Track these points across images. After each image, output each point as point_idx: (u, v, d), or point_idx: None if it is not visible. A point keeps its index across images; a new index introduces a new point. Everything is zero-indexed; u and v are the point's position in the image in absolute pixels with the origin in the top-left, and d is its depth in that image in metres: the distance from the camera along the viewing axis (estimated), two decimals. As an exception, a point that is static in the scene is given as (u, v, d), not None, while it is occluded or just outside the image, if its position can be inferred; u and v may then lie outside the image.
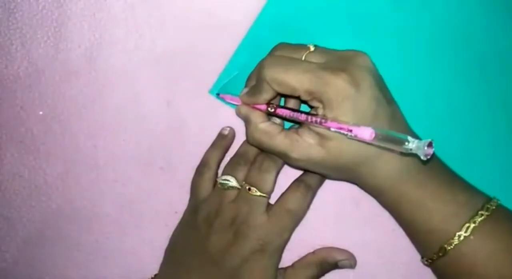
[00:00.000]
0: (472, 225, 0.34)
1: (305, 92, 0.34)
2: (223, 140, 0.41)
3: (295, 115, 0.36)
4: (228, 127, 0.42)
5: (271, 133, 0.36)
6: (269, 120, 0.38)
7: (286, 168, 0.40)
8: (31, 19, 0.42)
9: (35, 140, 0.43)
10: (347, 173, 0.36)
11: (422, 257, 0.38)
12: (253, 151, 0.40)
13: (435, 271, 0.38)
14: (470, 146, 0.41)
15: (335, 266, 0.40)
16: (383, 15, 0.41)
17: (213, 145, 0.42)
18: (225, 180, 0.39)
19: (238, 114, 0.39)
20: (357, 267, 0.42)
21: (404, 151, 0.30)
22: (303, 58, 0.36)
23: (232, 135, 0.42)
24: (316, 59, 0.35)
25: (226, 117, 0.41)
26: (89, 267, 0.43)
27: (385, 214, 0.39)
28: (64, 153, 0.43)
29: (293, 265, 0.40)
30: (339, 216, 0.42)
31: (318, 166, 0.35)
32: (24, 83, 0.43)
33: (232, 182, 0.39)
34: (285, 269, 0.40)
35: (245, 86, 0.39)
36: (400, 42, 0.41)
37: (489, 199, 0.35)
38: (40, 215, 0.43)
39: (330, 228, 0.42)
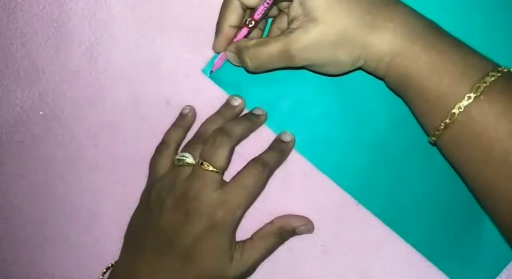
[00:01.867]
0: (483, 85, 0.32)
1: None
2: (183, 119, 0.42)
3: None
4: (189, 106, 0.42)
5: (264, 41, 0.36)
6: None
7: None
8: (31, 19, 0.42)
9: (35, 140, 0.43)
10: (354, 45, 0.34)
11: (429, 135, 0.36)
12: (212, 131, 0.39)
13: (442, 146, 0.36)
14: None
15: (293, 233, 0.41)
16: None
17: (174, 124, 0.42)
18: (181, 156, 0.39)
19: (230, 56, 0.38)
20: (356, 267, 0.42)
21: None
22: None
23: (193, 114, 0.42)
24: None
25: (226, 117, 0.42)
26: (89, 267, 0.43)
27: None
28: (64, 153, 0.43)
29: (251, 237, 0.40)
30: (339, 216, 0.42)
31: (322, 46, 0.34)
32: (24, 83, 0.43)
33: (189, 158, 0.38)
34: (244, 242, 0.39)
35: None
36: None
37: (498, 65, 0.34)
38: (40, 215, 0.43)
39: (330, 228, 0.42)
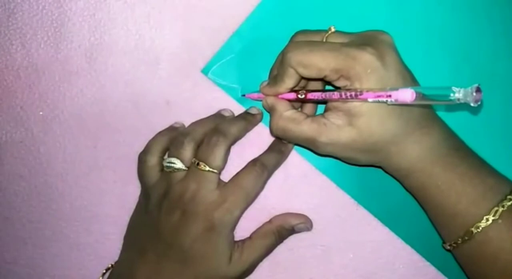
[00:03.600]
0: (501, 209, 0.34)
1: (331, 71, 0.33)
2: (172, 130, 0.41)
3: (328, 95, 0.35)
4: (179, 122, 0.42)
5: (298, 119, 0.36)
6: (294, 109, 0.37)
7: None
8: (31, 19, 0.42)
9: (35, 140, 0.43)
10: (377, 154, 0.35)
11: (444, 242, 0.37)
12: (201, 131, 0.39)
13: (458, 256, 0.37)
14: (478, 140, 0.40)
15: (292, 231, 0.41)
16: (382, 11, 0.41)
17: (160, 132, 0.41)
18: (169, 163, 0.38)
19: (265, 105, 0.38)
20: (357, 267, 0.42)
21: (452, 102, 0.29)
22: (324, 40, 0.36)
23: (183, 128, 0.41)
24: (338, 39, 0.35)
25: (226, 117, 0.42)
26: (89, 267, 0.43)
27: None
28: (64, 153, 0.43)
29: (250, 237, 0.40)
30: (339, 216, 0.42)
31: (348, 148, 0.35)
32: (24, 83, 0.43)
33: (177, 164, 0.38)
34: (243, 241, 0.39)
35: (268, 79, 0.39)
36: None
37: None
38: (40, 215, 0.43)
39: (330, 228, 0.42)
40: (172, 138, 0.40)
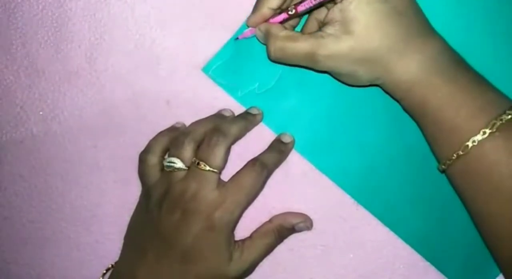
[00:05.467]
0: (499, 123, 0.33)
1: None
2: (173, 130, 0.41)
3: None
4: (180, 122, 0.42)
5: (294, 36, 0.36)
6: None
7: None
8: (31, 19, 0.42)
9: (35, 140, 0.43)
10: (378, 65, 0.35)
11: (439, 163, 0.37)
12: (202, 130, 0.39)
13: (452, 176, 0.37)
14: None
15: (292, 230, 0.41)
16: None
17: (161, 132, 0.41)
18: (170, 162, 0.38)
19: (259, 35, 0.38)
20: (357, 267, 0.42)
21: None
22: None
23: (184, 128, 0.41)
24: None
25: (226, 117, 0.42)
26: (89, 267, 0.43)
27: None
28: (64, 153, 0.43)
29: (251, 236, 0.40)
30: (339, 216, 0.42)
31: (348, 59, 0.34)
32: (24, 83, 0.43)
33: (177, 163, 0.38)
34: (243, 241, 0.39)
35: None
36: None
37: None
38: (40, 215, 0.43)
39: (330, 228, 0.42)
40: (173, 138, 0.40)
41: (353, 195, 0.42)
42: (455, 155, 0.34)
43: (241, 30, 0.41)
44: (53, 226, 0.43)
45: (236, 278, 0.38)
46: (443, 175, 0.39)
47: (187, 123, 0.41)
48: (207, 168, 0.37)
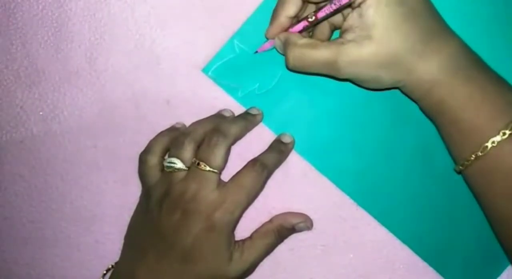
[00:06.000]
0: None
1: None
2: (173, 130, 0.41)
3: (337, 1, 0.34)
4: (182, 123, 0.42)
5: (314, 43, 0.35)
6: None
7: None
8: (31, 19, 0.42)
9: (35, 140, 0.43)
10: (399, 68, 0.34)
11: (456, 164, 0.37)
12: (201, 131, 0.39)
13: (469, 176, 0.36)
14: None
15: (292, 230, 0.41)
16: None
17: (161, 132, 0.41)
18: (170, 163, 0.38)
19: (278, 44, 0.38)
20: (357, 267, 0.42)
21: None
22: None
23: (184, 129, 0.41)
24: None
25: (226, 117, 0.42)
26: (89, 267, 0.43)
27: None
28: (64, 153, 0.43)
29: (251, 236, 0.40)
30: (339, 216, 0.42)
31: (370, 65, 0.34)
32: (24, 83, 0.43)
33: (178, 164, 0.38)
34: (244, 241, 0.39)
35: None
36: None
37: None
38: (40, 215, 0.43)
39: (330, 228, 0.42)
40: (173, 138, 0.40)
41: (352, 196, 0.42)
42: (473, 156, 0.34)
43: (241, 30, 0.41)
44: (53, 226, 0.43)
45: (237, 278, 0.38)
46: (443, 175, 0.40)
47: (187, 123, 0.41)
48: (207, 168, 0.37)
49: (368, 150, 0.41)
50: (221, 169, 0.38)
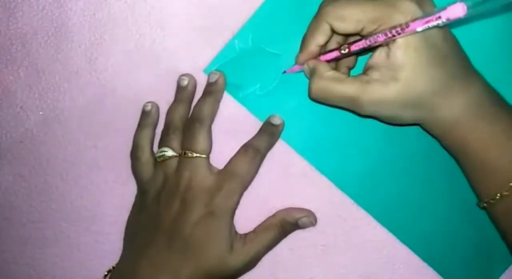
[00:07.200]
0: None
1: (370, 21, 0.33)
2: (148, 117, 0.42)
3: (372, 39, 0.34)
4: (150, 102, 0.42)
5: (340, 78, 0.35)
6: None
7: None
8: (31, 19, 0.42)
9: (35, 140, 0.43)
10: (422, 108, 0.34)
11: (480, 200, 0.37)
12: (178, 117, 0.40)
13: (494, 214, 0.37)
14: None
15: (296, 225, 0.41)
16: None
17: (140, 125, 0.42)
18: (161, 152, 0.39)
19: (307, 71, 0.38)
20: (357, 267, 0.42)
21: None
22: None
23: (156, 110, 0.42)
24: None
25: (227, 116, 0.41)
26: (89, 267, 0.43)
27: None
28: (64, 153, 0.43)
29: (254, 230, 0.40)
30: (339, 216, 0.42)
31: (393, 105, 0.34)
32: (24, 83, 0.43)
33: (168, 151, 0.39)
34: (246, 234, 0.40)
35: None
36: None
37: None
38: (40, 215, 0.43)
39: (330, 228, 0.42)
40: (153, 126, 0.41)
41: (352, 196, 0.42)
42: (498, 195, 0.35)
43: (242, 30, 0.41)
44: (53, 226, 0.43)
45: (238, 271, 0.38)
46: (443, 175, 0.40)
47: (153, 120, 0.42)
48: (194, 155, 0.38)
49: (368, 150, 0.41)
50: (207, 153, 0.39)
